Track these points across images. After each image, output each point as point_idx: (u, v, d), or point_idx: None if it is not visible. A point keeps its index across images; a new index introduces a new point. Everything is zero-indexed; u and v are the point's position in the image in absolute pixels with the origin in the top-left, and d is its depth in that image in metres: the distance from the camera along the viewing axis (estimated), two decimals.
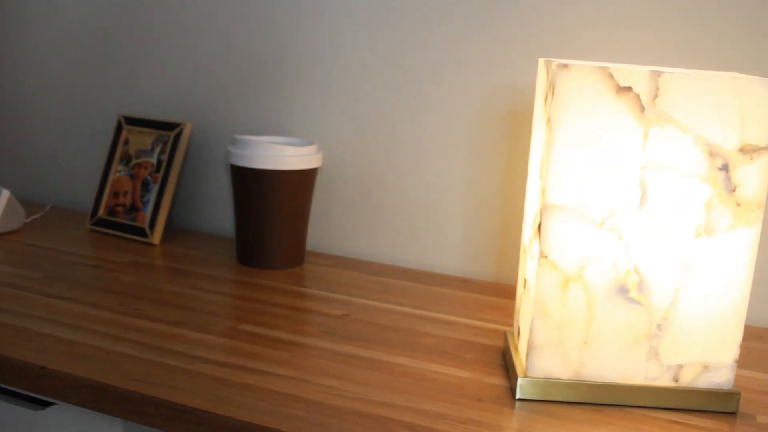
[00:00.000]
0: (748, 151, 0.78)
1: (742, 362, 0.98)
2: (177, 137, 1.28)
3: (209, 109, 1.35)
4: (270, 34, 1.29)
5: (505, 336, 0.94)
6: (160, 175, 1.27)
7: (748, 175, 0.79)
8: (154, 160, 1.29)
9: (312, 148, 1.17)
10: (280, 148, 1.13)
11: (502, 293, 1.16)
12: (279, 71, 1.29)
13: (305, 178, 1.17)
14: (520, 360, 0.86)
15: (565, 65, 0.76)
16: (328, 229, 1.31)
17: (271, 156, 1.13)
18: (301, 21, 1.27)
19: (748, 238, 0.80)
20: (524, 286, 0.87)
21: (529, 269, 0.85)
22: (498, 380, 0.87)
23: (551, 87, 0.78)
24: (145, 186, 1.29)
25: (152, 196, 1.28)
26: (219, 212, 1.37)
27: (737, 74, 0.82)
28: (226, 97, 1.33)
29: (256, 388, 0.81)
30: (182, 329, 0.95)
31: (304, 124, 1.29)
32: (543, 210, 0.79)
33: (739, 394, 0.83)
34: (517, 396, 0.83)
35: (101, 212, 1.32)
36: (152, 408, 0.78)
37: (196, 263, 1.19)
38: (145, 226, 1.27)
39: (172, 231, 1.36)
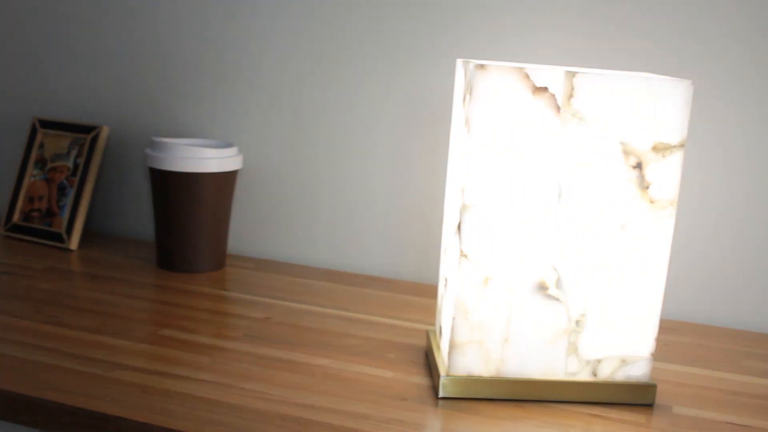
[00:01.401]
0: (660, 149, 0.80)
1: (659, 355, 1.00)
2: (94, 140, 1.25)
3: (128, 112, 1.33)
4: (190, 37, 1.27)
5: (427, 335, 0.95)
6: (76, 179, 1.25)
7: (661, 172, 0.81)
8: (70, 163, 1.26)
9: (232, 150, 1.16)
10: (200, 150, 1.12)
11: (424, 293, 1.17)
12: (198, 73, 1.28)
13: (225, 181, 1.16)
14: (442, 359, 0.87)
15: (482, 66, 0.77)
16: (250, 231, 1.30)
17: (190, 158, 1.12)
18: (222, 24, 1.25)
19: (661, 234, 0.82)
20: (445, 285, 0.88)
21: (449, 268, 0.85)
22: (421, 379, 0.88)
23: (469, 87, 0.79)
24: (62, 190, 1.26)
25: (69, 201, 1.25)
26: (138, 216, 1.35)
27: (650, 74, 0.84)
28: (145, 100, 1.31)
29: (178, 394, 0.80)
30: (101, 336, 0.93)
31: (224, 127, 1.28)
32: (462, 209, 0.80)
33: (655, 386, 0.85)
34: (440, 394, 0.83)
35: (16, 218, 1.29)
36: (70, 417, 0.77)
37: (115, 268, 1.17)
38: (62, 231, 1.24)
39: (90, 236, 1.34)
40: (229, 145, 1.20)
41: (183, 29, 1.27)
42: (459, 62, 0.86)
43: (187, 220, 1.14)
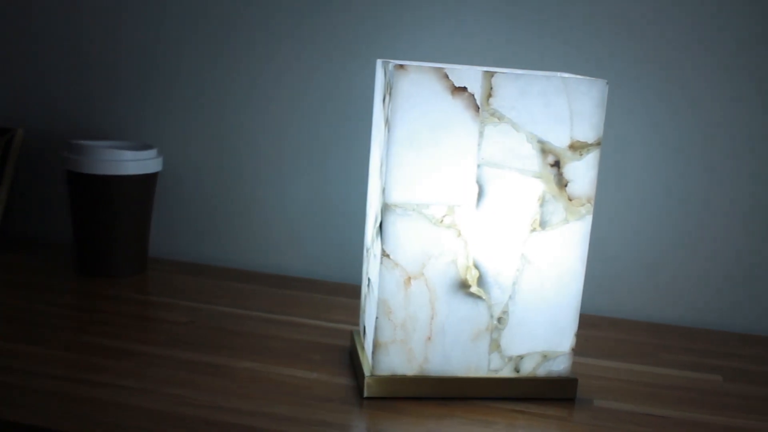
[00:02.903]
0: (577, 147, 0.81)
1: (579, 350, 1.02)
2: (8, 143, 1.23)
3: (44, 114, 1.30)
4: (107, 37, 1.25)
5: (351, 335, 0.95)
6: None
7: (578, 170, 0.82)
8: None
9: (151, 153, 1.15)
10: (118, 152, 1.11)
11: (347, 293, 1.17)
12: (116, 74, 1.26)
13: (145, 183, 1.14)
14: (366, 359, 0.87)
15: (402, 66, 0.77)
16: (171, 234, 1.28)
17: (108, 161, 1.10)
18: (140, 23, 1.24)
19: (580, 231, 0.84)
20: (368, 285, 0.88)
21: (372, 268, 0.86)
22: (346, 380, 0.88)
23: (389, 87, 0.79)
24: None
25: None
26: (56, 221, 1.33)
27: (566, 74, 0.85)
28: (62, 102, 1.29)
29: (100, 401, 0.79)
30: (19, 344, 0.91)
31: (143, 128, 1.27)
32: (383, 209, 0.80)
33: (576, 380, 0.87)
34: (365, 394, 0.83)
35: None
36: None
37: (33, 274, 1.15)
38: None
39: (6, 241, 1.30)
40: (148, 146, 1.19)
41: (99, 28, 1.25)
42: (379, 62, 0.86)
43: (106, 224, 1.13)
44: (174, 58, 1.23)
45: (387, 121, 0.79)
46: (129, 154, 1.11)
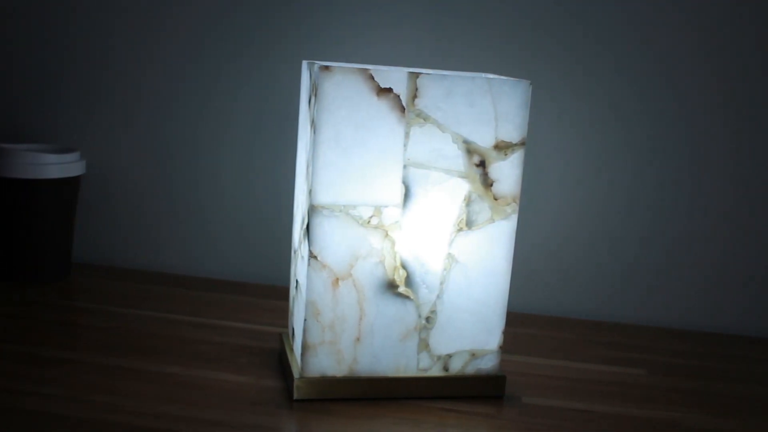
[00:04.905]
0: (502, 147, 0.82)
1: (507, 347, 1.03)
2: None
3: None
4: (29, 38, 1.22)
5: (280, 338, 0.94)
6: None
7: (503, 170, 0.83)
8: None
9: (74, 155, 1.13)
10: (40, 155, 1.09)
11: (276, 295, 1.17)
12: (37, 75, 1.23)
13: (67, 187, 1.12)
14: (295, 361, 0.87)
15: (327, 67, 0.77)
16: (96, 238, 1.26)
17: (29, 164, 1.08)
18: (62, 21, 1.21)
19: (505, 230, 0.84)
20: (296, 287, 0.88)
21: (299, 270, 0.85)
22: (275, 382, 0.88)
23: (314, 89, 0.79)
24: None
25: None
26: None
27: (491, 75, 0.86)
28: None
29: (24, 411, 0.77)
30: None
31: (65, 131, 1.24)
32: (310, 211, 0.80)
33: (505, 378, 0.88)
34: (295, 397, 0.83)
35: None
36: None
37: None
38: None
39: None
40: (70, 149, 1.17)
41: (19, 29, 1.22)
42: (304, 64, 0.86)
43: (27, 229, 1.10)
44: (99, 60, 1.21)
45: (313, 123, 0.79)
46: (50, 157, 1.09)
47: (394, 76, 0.79)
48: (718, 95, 1.12)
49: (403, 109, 0.79)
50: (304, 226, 0.83)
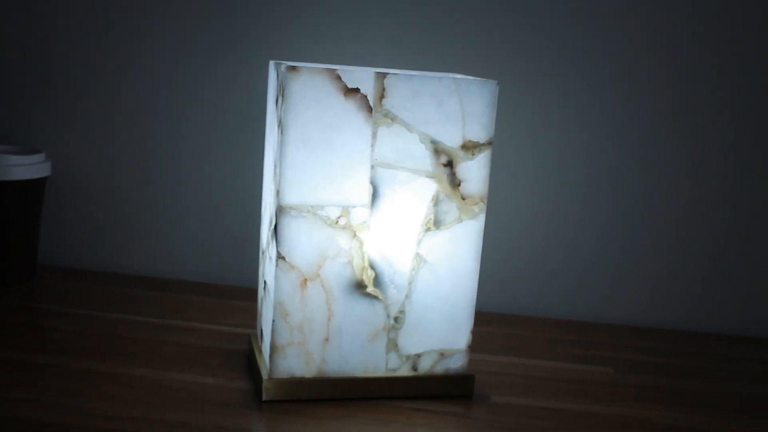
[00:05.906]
0: (469, 147, 0.83)
1: (475, 347, 1.03)
2: None
3: None
4: None
5: (249, 339, 0.94)
6: None
7: (470, 170, 0.83)
8: None
9: (39, 157, 1.12)
10: (5, 157, 1.07)
11: (244, 296, 1.16)
12: (3, 77, 1.22)
13: (32, 189, 1.11)
14: (264, 362, 0.87)
15: (294, 67, 0.77)
16: (62, 240, 1.25)
17: None
18: (24, 21, 1.20)
19: (473, 229, 0.85)
20: (264, 288, 0.87)
21: (268, 271, 0.85)
22: (244, 384, 0.87)
23: (281, 89, 0.79)
24: None
25: None
26: None
27: (458, 75, 0.86)
28: None
29: None
30: None
31: (29, 132, 1.23)
32: (278, 211, 0.80)
33: (473, 377, 0.88)
34: (264, 398, 0.83)
35: None
36: None
37: None
38: None
39: None
40: (35, 151, 1.16)
41: None
42: (271, 64, 0.86)
43: None
44: (64, 61, 1.20)
45: (280, 123, 0.79)
46: (14, 159, 1.08)
47: (362, 76, 0.79)
48: (668, 98, 1.13)
49: (370, 109, 0.79)
50: (272, 227, 0.83)
